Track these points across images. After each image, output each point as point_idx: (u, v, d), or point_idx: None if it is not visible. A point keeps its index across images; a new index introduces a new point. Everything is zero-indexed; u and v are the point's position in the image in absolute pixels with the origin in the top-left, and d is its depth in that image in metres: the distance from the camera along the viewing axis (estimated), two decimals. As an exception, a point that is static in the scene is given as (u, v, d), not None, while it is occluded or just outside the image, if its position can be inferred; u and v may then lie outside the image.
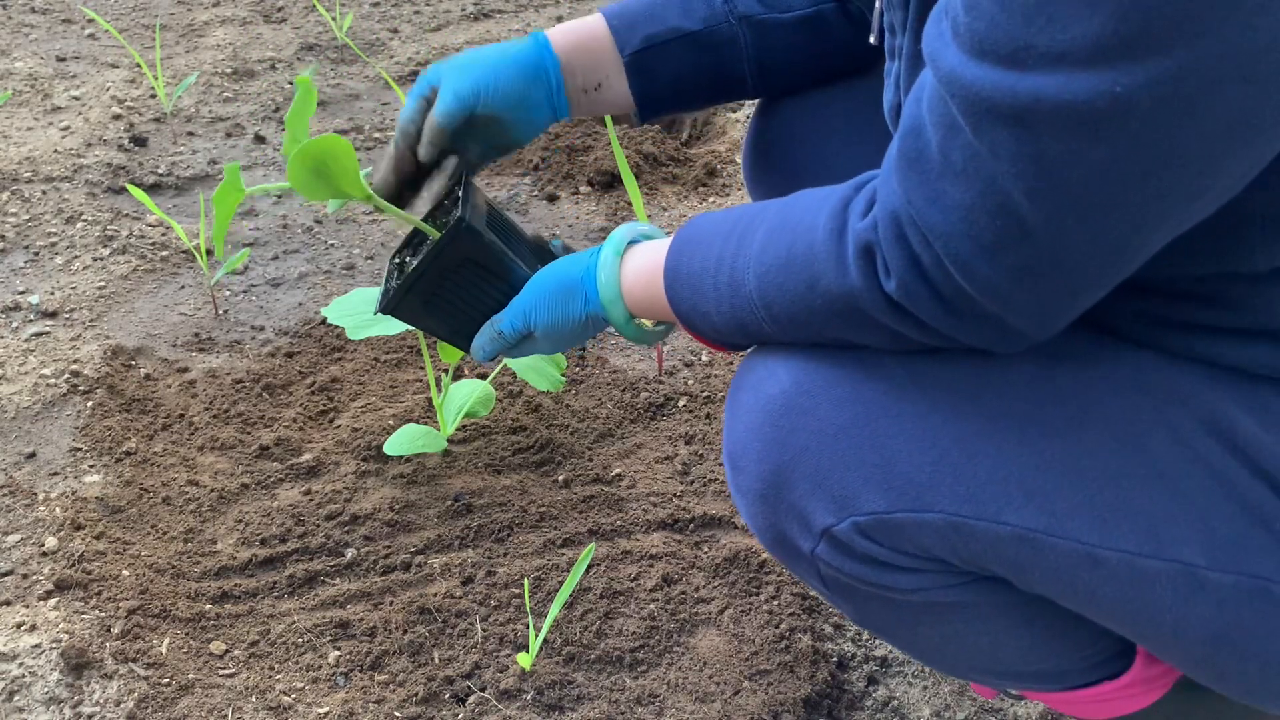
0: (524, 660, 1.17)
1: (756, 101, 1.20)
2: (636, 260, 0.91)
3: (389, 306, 1.03)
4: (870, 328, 0.76)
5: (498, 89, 1.02)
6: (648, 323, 0.95)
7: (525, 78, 1.03)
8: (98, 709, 1.14)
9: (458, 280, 1.01)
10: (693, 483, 1.43)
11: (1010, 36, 0.60)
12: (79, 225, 2.03)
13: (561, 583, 1.25)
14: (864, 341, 0.79)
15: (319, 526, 1.37)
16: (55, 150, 2.28)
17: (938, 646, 0.89)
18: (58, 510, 1.37)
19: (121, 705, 1.14)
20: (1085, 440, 0.76)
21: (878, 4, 0.85)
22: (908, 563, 0.80)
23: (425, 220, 1.04)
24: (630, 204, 2.08)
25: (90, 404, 1.57)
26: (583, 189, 2.20)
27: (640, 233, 0.94)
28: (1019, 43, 0.60)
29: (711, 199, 2.12)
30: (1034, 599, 0.83)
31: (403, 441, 1.42)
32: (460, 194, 1.01)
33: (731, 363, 1.68)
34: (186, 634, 1.24)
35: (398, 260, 1.07)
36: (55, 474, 1.45)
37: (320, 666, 1.19)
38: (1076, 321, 0.75)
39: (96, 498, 1.40)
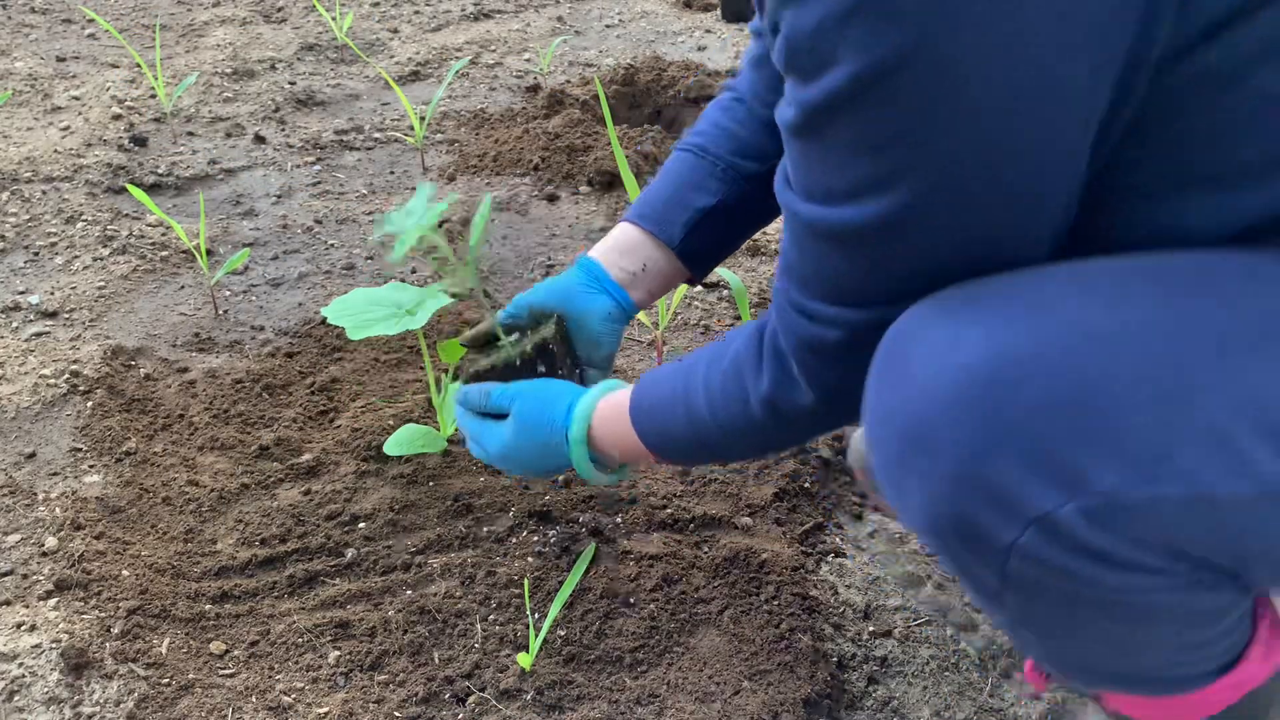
0: (524, 660, 1.17)
1: None
2: (604, 406, 1.13)
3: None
4: (784, 425, 0.97)
5: (548, 287, 1.26)
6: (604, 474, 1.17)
7: (567, 278, 1.26)
8: (98, 709, 1.14)
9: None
10: (693, 483, 1.43)
11: (820, 183, 0.82)
12: (79, 225, 2.03)
13: (561, 583, 1.25)
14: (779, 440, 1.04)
15: (319, 526, 1.37)
16: (55, 150, 2.28)
17: (1089, 650, 0.84)
18: (58, 510, 1.37)
19: (121, 705, 1.14)
20: None
21: None
22: (1126, 552, 0.74)
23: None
24: (630, 204, 2.08)
25: (90, 404, 1.57)
26: (583, 189, 2.20)
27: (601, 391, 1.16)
28: (825, 186, 0.82)
29: (711, 199, 2.12)
30: (1221, 603, 0.79)
31: (403, 441, 1.42)
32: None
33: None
34: (186, 634, 1.24)
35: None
36: (55, 474, 1.45)
37: (320, 666, 1.19)
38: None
39: (96, 498, 1.40)
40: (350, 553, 1.33)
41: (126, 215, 2.08)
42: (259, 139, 2.40)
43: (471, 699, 1.15)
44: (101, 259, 1.94)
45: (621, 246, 1.26)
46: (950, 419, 0.75)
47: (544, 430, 1.15)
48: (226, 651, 1.22)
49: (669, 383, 1.07)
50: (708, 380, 1.02)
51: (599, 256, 1.26)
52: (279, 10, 3.14)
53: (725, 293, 1.87)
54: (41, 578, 1.28)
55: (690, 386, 1.04)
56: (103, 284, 1.88)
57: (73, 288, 1.86)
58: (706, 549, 1.32)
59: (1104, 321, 0.73)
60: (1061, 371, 0.72)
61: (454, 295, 1.25)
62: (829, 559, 1.34)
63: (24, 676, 1.16)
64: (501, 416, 1.19)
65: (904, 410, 0.78)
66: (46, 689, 1.15)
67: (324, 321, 1.74)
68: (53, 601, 1.25)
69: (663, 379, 1.08)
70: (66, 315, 1.79)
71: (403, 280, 1.86)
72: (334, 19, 2.93)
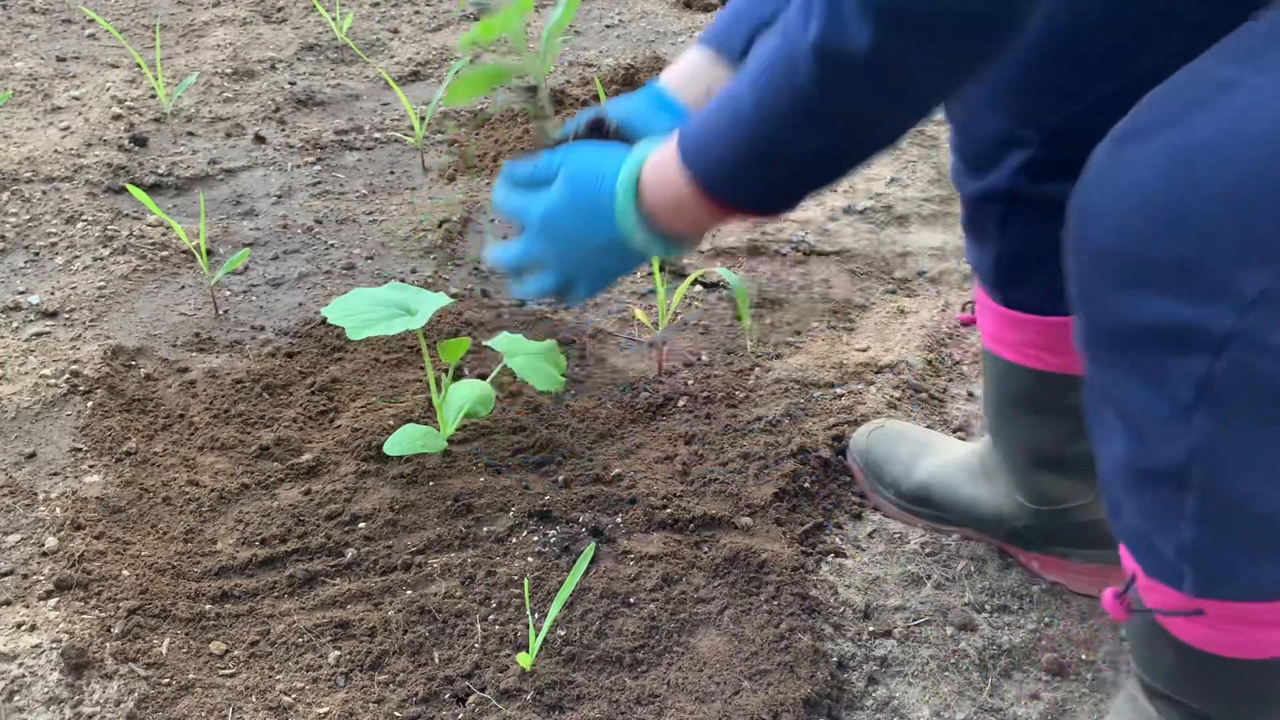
0: (524, 660, 1.17)
1: None
2: (658, 153, 1.04)
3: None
4: (848, 85, 0.84)
5: (614, 105, 1.21)
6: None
7: (633, 99, 1.21)
8: (98, 709, 1.14)
9: None
10: (693, 483, 1.43)
11: None
12: (79, 225, 2.03)
13: (561, 583, 1.25)
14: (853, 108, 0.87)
15: (319, 526, 1.37)
16: (55, 150, 2.28)
17: (1263, 484, 0.82)
18: (58, 510, 1.37)
19: (121, 705, 1.14)
20: None
21: None
22: None
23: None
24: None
25: (90, 404, 1.57)
26: (583, 189, 2.20)
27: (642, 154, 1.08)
28: None
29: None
30: None
31: (403, 441, 1.42)
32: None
33: (731, 363, 1.68)
34: (186, 634, 1.24)
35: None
36: (55, 474, 1.45)
37: (320, 666, 1.20)
38: None
39: (96, 498, 1.40)
40: (350, 553, 1.33)
41: (126, 215, 2.08)
42: (259, 139, 2.40)
43: (471, 699, 1.15)
44: (101, 259, 1.95)
45: (687, 72, 1.21)
46: (1145, 233, 0.77)
47: (593, 182, 1.08)
48: (226, 651, 1.22)
49: (720, 97, 0.99)
50: (755, 68, 0.93)
51: (666, 81, 1.22)
52: (279, 10, 3.14)
53: (725, 293, 1.87)
54: (41, 578, 1.28)
55: (739, 84, 0.95)
56: (103, 284, 1.88)
57: (73, 288, 1.86)
58: (706, 549, 1.33)
59: (1263, 85, 0.75)
60: (1238, 152, 0.74)
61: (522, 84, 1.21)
62: (829, 559, 1.34)
63: (24, 676, 1.16)
64: (548, 185, 1.14)
65: (1096, 238, 0.80)
66: (46, 689, 1.15)
67: (324, 321, 1.74)
68: (53, 601, 1.25)
69: (716, 97, 1.00)
70: (67, 315, 1.80)
71: (403, 280, 1.87)
72: (334, 19, 2.93)
